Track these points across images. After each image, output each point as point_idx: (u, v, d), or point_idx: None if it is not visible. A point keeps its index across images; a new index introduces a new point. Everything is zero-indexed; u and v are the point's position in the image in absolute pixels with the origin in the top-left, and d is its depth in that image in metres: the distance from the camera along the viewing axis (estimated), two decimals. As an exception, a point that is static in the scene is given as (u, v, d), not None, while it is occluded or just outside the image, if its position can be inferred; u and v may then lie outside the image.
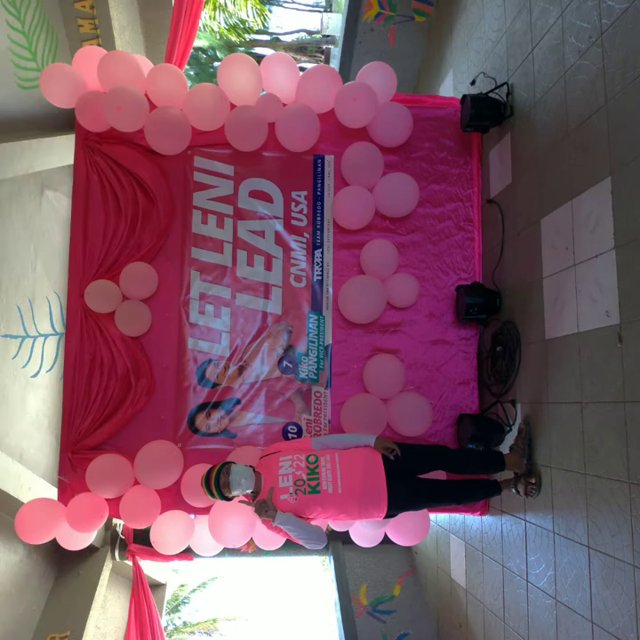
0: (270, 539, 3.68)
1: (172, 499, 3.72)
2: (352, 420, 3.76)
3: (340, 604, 5.12)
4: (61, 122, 4.30)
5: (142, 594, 4.10)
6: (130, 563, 4.88)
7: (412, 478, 3.22)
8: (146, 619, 3.96)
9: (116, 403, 3.79)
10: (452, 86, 4.93)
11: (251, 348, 3.96)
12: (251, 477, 3.05)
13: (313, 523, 3.08)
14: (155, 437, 3.76)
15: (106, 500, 3.64)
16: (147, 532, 3.85)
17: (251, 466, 3.14)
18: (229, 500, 3.09)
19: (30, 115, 4.13)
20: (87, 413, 3.78)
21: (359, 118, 3.93)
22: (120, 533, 5.08)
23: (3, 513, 4.02)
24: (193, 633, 14.38)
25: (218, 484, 3.00)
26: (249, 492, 3.07)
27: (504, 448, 3.56)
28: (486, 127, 3.93)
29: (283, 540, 3.59)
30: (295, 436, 3.89)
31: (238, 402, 3.91)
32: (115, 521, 5.14)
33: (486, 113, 3.77)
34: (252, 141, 3.92)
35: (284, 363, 3.95)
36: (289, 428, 3.90)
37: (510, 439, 3.48)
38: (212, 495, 3.05)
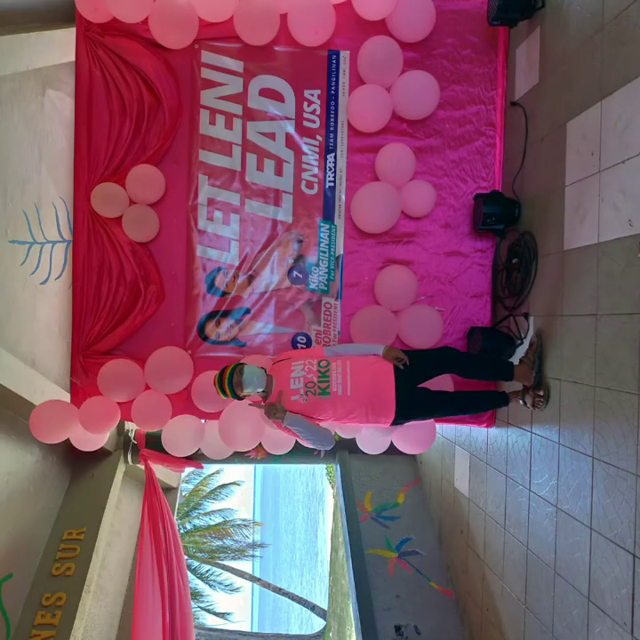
0: (279, 442, 3.76)
1: (183, 404, 3.79)
2: (362, 331, 3.74)
3: (345, 510, 5.30)
4: (62, 14, 4.02)
5: (154, 493, 4.24)
6: (142, 467, 5.04)
7: (421, 388, 3.24)
8: (158, 516, 4.11)
9: (126, 309, 3.79)
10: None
11: (260, 256, 3.89)
12: (263, 377, 3.11)
13: (322, 425, 3.14)
14: (165, 344, 3.78)
15: (117, 403, 3.70)
16: (158, 439, 3.95)
17: (263, 368, 3.19)
18: (241, 399, 3.15)
19: (29, 6, 3.85)
20: (97, 319, 3.78)
21: (378, 9, 3.67)
22: (132, 438, 5.22)
23: (18, 416, 4.11)
24: (204, 536, 15.11)
25: (231, 383, 3.06)
26: (260, 391, 3.12)
27: (514, 362, 3.54)
28: (514, 20, 3.64)
29: (291, 444, 3.66)
30: (304, 346, 3.89)
31: (248, 311, 3.89)
32: (127, 426, 5.27)
33: (515, 4, 3.49)
34: (263, 34, 3.69)
35: (294, 273, 3.90)
36: (298, 338, 3.90)
37: (521, 353, 3.45)
38: (225, 394, 3.10)
